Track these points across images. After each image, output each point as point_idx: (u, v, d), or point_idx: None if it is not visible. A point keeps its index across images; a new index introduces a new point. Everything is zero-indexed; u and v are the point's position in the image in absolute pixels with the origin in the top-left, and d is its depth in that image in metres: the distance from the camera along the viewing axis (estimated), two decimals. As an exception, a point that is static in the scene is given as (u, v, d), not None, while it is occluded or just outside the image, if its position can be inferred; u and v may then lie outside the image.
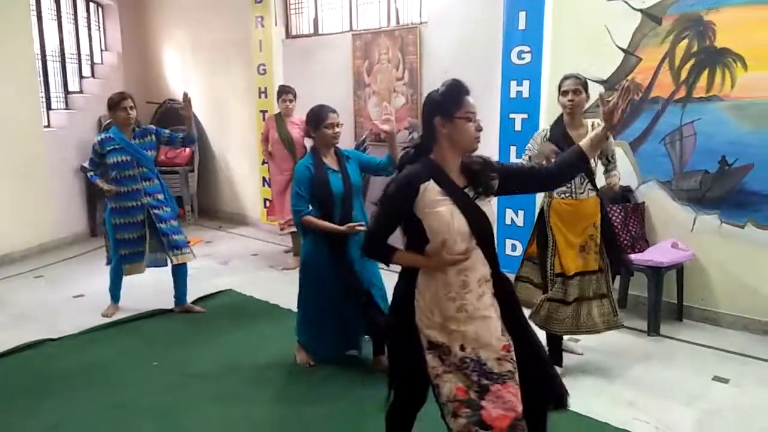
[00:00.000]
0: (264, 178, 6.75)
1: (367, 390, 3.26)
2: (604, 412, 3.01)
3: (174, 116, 7.29)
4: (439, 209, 1.99)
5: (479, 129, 2.04)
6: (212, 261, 5.81)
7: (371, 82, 5.95)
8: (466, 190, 2.06)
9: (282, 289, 4.92)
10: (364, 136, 5.84)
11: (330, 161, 3.40)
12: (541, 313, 3.36)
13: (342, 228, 3.24)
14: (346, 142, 5.90)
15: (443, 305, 2.04)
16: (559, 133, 3.34)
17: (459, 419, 1.98)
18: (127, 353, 3.84)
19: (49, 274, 5.58)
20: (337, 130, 3.36)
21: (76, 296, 4.93)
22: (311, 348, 3.59)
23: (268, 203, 6.76)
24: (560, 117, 3.41)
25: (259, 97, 6.72)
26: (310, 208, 3.37)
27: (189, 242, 4.52)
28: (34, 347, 3.91)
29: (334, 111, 3.40)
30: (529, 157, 3.40)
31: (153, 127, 4.43)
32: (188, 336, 4.08)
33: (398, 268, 2.17)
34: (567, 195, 3.33)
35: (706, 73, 4.05)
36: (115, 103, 4.17)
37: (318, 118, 3.37)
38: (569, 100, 3.32)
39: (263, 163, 6.67)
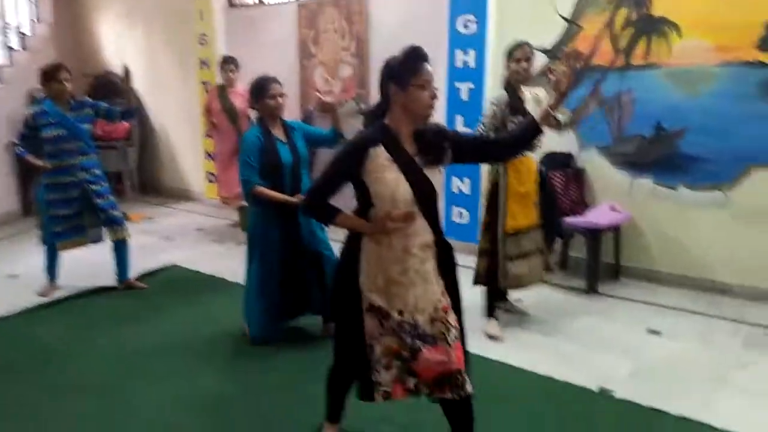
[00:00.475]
0: (207, 152, 6.61)
1: (316, 357, 3.25)
2: (546, 366, 3.13)
3: (111, 89, 7.02)
4: (385, 175, 2.01)
5: (433, 97, 2.04)
6: (155, 237, 5.67)
7: (317, 53, 5.87)
8: (415, 158, 2.07)
9: (228, 263, 4.85)
10: (311, 107, 5.78)
11: (277, 132, 3.35)
12: (508, 275, 3.46)
13: (293, 199, 3.22)
14: (293, 112, 5.85)
15: (387, 268, 2.08)
16: (516, 101, 3.39)
17: (390, 370, 2.13)
18: (67, 332, 3.71)
19: (-20, 253, 5.33)
20: (280, 100, 3.31)
21: (9, 276, 4.73)
22: (257, 322, 3.51)
23: (212, 177, 6.63)
24: (510, 84, 3.44)
25: (201, 68, 6.54)
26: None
27: (127, 218, 4.38)
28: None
29: (277, 81, 3.34)
30: (484, 125, 3.40)
31: (89, 99, 4.25)
32: (133, 313, 3.98)
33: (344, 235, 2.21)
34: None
35: (643, 40, 4.18)
36: (50, 75, 3.95)
37: (261, 89, 3.31)
38: (524, 68, 3.38)
39: (206, 136, 6.54)
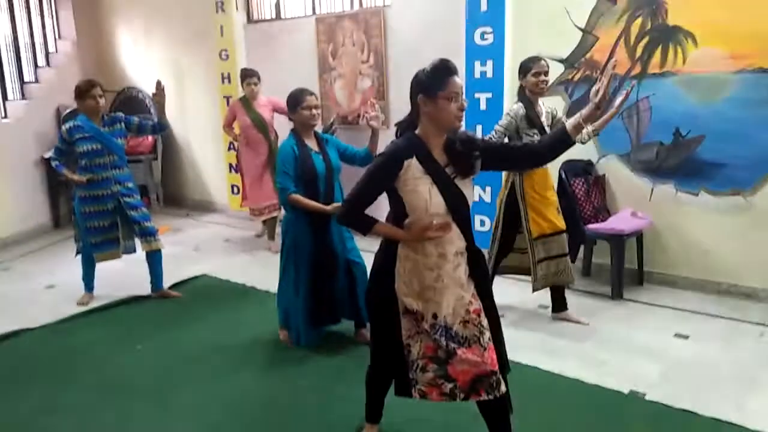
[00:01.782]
0: (231, 165, 6.74)
1: (351, 360, 3.41)
2: (577, 370, 3.21)
3: (134, 104, 7.21)
4: (418, 187, 2.12)
5: (462, 108, 2.12)
6: (183, 248, 5.81)
7: (336, 65, 6.00)
8: (446, 169, 2.17)
9: (257, 272, 4.99)
10: (332, 119, 5.90)
11: (311, 143, 3.49)
12: (539, 277, 3.71)
13: (327, 208, 3.34)
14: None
15: (422, 274, 2.19)
16: (533, 114, 3.59)
17: (427, 373, 2.23)
18: (108, 339, 3.86)
19: (16, 266, 5.49)
20: (314, 112, 3.44)
21: (47, 287, 4.88)
22: (294, 328, 3.64)
23: (236, 189, 6.76)
24: (524, 96, 3.62)
25: (222, 82, 6.68)
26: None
27: (157, 230, 4.51)
28: (11, 338, 3.89)
29: (312, 94, 3.49)
30: (496, 132, 3.58)
31: (121, 114, 4.39)
32: (169, 320, 4.12)
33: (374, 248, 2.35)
34: None
35: (659, 49, 4.26)
36: (84, 91, 4.11)
37: (296, 100, 3.45)
38: (543, 81, 3.55)
39: (229, 149, 6.67)
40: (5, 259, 5.67)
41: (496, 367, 2.20)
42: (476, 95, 4.87)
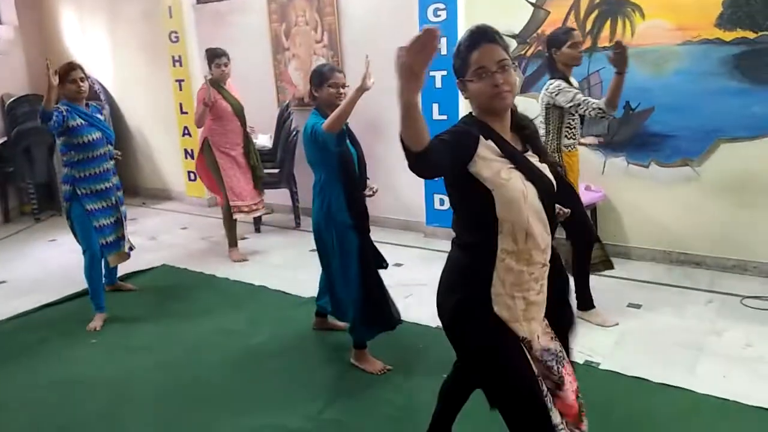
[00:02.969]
0: (186, 150, 6.61)
1: (331, 341, 3.44)
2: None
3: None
4: (501, 174, 1.64)
5: (496, 84, 1.65)
6: (140, 238, 5.67)
7: (290, 46, 5.90)
8: (526, 154, 1.75)
9: (216, 260, 4.94)
10: (287, 101, 5.82)
11: None
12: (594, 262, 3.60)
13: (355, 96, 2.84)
14: (268, 107, 5.88)
15: (528, 289, 1.73)
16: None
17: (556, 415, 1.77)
18: (63, 333, 3.77)
19: (-37, 263, 5.31)
20: (342, 91, 3.07)
21: (-2, 283, 4.75)
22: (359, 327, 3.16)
23: (192, 175, 6.64)
24: (557, 70, 3.38)
25: (174, 65, 6.51)
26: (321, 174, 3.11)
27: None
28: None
29: (341, 71, 3.14)
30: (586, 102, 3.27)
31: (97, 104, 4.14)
32: (125, 312, 4.03)
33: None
34: (572, 147, 3.50)
35: (608, 23, 4.31)
36: (62, 76, 3.65)
37: (323, 77, 3.10)
38: (581, 52, 3.38)
39: (183, 134, 6.53)
40: (-48, 256, 5.48)
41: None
42: (431, 73, 4.86)
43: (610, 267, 3.74)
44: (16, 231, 6.19)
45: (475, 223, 1.74)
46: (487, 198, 1.65)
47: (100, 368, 3.33)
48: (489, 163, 1.63)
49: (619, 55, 3.07)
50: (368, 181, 3.28)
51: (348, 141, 3.09)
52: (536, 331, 1.78)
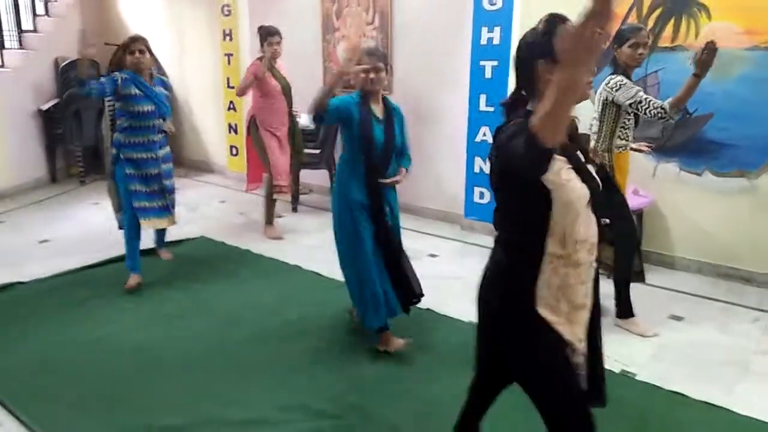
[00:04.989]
0: (230, 125, 6.65)
1: (344, 324, 3.42)
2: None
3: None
4: (561, 173, 1.60)
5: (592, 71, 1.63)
6: (180, 208, 5.72)
7: (340, 26, 5.85)
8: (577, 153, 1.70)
9: (251, 236, 4.97)
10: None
11: (376, 109, 3.08)
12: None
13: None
14: (315, 87, 5.84)
15: (575, 292, 1.68)
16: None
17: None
18: (100, 295, 3.83)
19: (10, 219, 5.45)
20: (372, 75, 2.98)
21: (41, 241, 4.85)
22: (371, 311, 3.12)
23: (234, 150, 6.69)
24: (620, 67, 3.24)
25: (224, 39, 6.54)
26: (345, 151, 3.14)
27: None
28: (4, 290, 3.88)
29: (374, 54, 3.03)
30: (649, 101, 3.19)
31: (165, 80, 4.20)
32: (162, 280, 4.09)
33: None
34: (623, 149, 3.37)
35: (672, 22, 4.14)
36: (125, 46, 3.78)
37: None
38: (641, 54, 3.19)
39: (229, 108, 6.57)
40: (0, 212, 5.62)
41: None
42: (481, 63, 4.76)
43: (642, 280, 3.62)
44: (62, 192, 6.33)
45: (523, 223, 1.68)
46: (544, 198, 1.60)
47: (133, 332, 3.38)
48: (552, 162, 1.50)
49: (708, 57, 2.95)
50: (400, 172, 3.17)
51: (380, 127, 3.05)
52: (580, 335, 1.71)
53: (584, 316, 1.73)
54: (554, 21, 1.68)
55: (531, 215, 1.64)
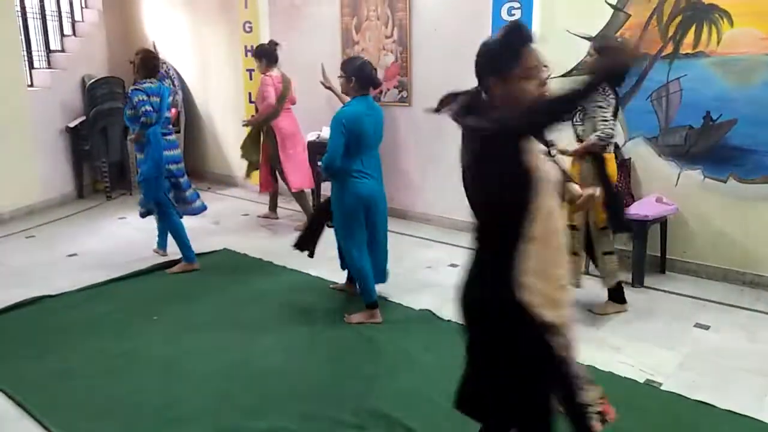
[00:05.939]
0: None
1: (364, 333, 3.44)
2: (590, 356, 3.14)
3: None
4: (542, 161, 1.68)
5: (543, 84, 1.67)
6: (204, 221, 5.83)
7: (360, 40, 5.92)
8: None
9: (273, 247, 5.01)
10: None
11: None
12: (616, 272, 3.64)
13: None
14: (335, 100, 5.91)
15: (556, 275, 1.72)
16: None
17: (590, 392, 1.87)
18: (126, 308, 3.91)
19: (40, 234, 5.58)
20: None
21: (69, 255, 4.95)
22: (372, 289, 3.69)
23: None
24: None
25: (245, 55, 6.63)
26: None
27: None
28: (33, 303, 3.96)
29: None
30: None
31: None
32: (187, 291, 4.16)
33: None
34: (612, 149, 3.62)
35: (693, 29, 4.11)
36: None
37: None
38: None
39: (244, 124, 6.64)
40: (30, 227, 5.76)
41: None
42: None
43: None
44: (89, 207, 6.46)
45: (502, 213, 1.67)
46: (524, 179, 1.61)
47: (158, 344, 3.43)
48: (533, 145, 1.63)
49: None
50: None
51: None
52: (565, 318, 1.74)
53: (566, 297, 1.76)
54: (517, 41, 1.67)
55: (511, 198, 1.64)
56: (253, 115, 5.72)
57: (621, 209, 3.57)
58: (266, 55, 5.46)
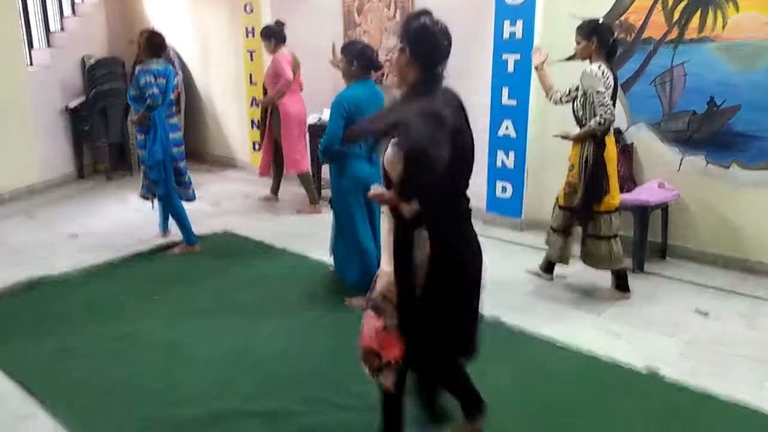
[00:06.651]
0: (253, 121, 6.70)
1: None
2: (591, 342, 3.16)
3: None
4: None
5: None
6: (204, 203, 5.82)
7: (362, 22, 5.86)
8: None
9: (274, 229, 5.01)
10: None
11: None
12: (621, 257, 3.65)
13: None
14: (339, 82, 5.87)
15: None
16: None
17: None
18: (127, 290, 3.91)
19: (41, 214, 5.57)
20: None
21: (70, 236, 4.95)
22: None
23: (257, 146, 6.72)
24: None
25: (246, 36, 6.58)
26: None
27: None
28: (34, 284, 3.97)
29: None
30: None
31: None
32: (187, 274, 4.16)
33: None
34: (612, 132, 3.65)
35: (698, 13, 4.06)
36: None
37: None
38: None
39: (252, 104, 6.62)
40: (30, 207, 5.76)
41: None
42: (504, 56, 4.73)
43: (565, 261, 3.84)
44: (89, 188, 6.46)
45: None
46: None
47: (159, 326, 3.44)
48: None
49: None
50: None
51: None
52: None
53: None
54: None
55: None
56: (265, 95, 5.65)
57: (589, 201, 3.57)
58: (274, 34, 5.40)
